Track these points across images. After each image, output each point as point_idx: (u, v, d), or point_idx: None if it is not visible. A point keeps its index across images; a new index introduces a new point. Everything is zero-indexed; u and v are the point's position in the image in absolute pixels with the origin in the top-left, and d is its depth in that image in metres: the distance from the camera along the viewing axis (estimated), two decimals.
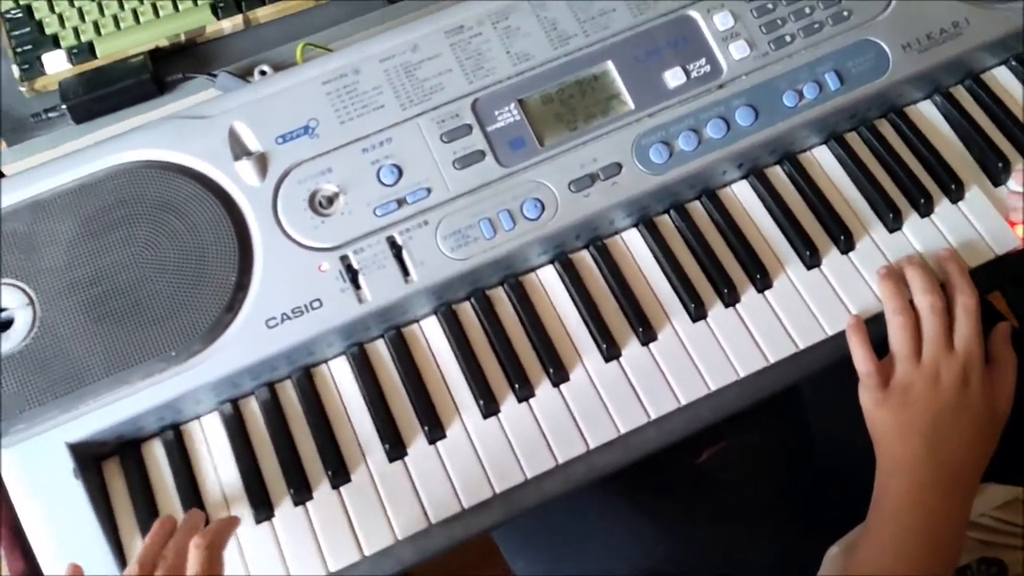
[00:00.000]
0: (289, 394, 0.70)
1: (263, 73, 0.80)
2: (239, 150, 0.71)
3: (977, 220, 0.73)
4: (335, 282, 0.68)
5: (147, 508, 0.66)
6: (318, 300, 0.68)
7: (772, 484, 0.89)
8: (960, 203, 0.74)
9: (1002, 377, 0.67)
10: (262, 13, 0.90)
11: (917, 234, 0.73)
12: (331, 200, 0.70)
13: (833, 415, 0.87)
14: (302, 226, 0.69)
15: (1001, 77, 0.80)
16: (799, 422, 0.91)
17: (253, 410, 0.70)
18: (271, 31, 0.91)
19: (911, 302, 0.68)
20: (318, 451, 0.67)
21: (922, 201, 0.73)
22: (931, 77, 0.76)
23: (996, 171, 0.75)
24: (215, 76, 0.85)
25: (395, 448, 0.67)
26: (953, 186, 0.74)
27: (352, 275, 0.69)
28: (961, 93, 0.79)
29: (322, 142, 0.71)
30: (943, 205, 0.74)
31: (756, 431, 0.88)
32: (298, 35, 0.89)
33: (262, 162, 0.70)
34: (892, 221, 0.73)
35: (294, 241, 0.69)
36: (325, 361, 0.71)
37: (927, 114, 0.78)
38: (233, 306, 0.68)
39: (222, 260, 0.68)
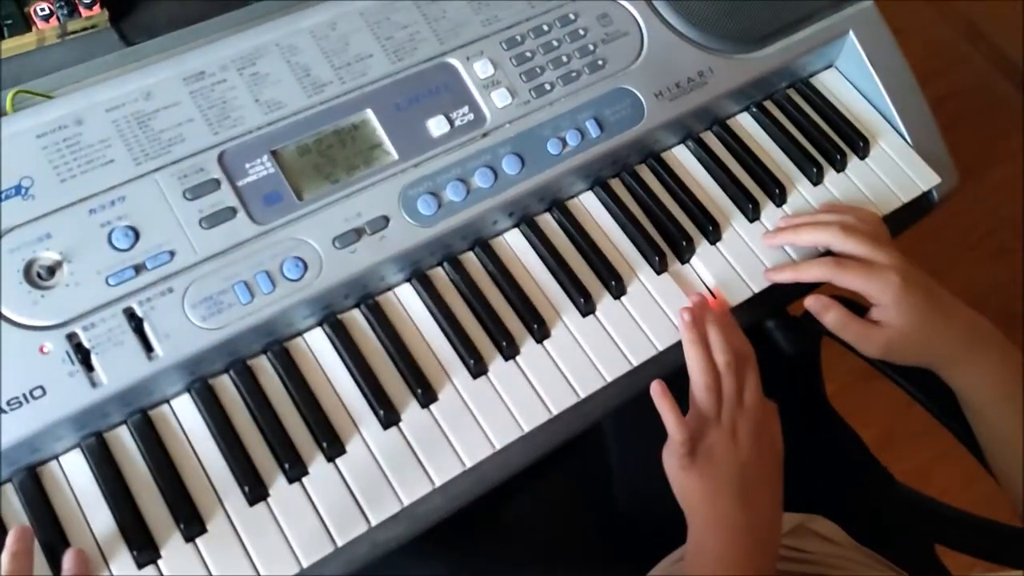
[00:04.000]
0: (10, 501, 0.59)
1: None
2: None
3: (735, 260, 0.76)
4: (61, 365, 0.59)
5: None
6: (40, 388, 0.58)
7: (582, 524, 0.88)
8: (718, 244, 0.77)
9: (771, 419, 0.70)
10: None
11: (680, 277, 0.75)
12: (52, 270, 0.61)
13: (626, 444, 0.88)
14: (17, 302, 0.59)
15: (744, 122, 0.84)
16: (598, 457, 0.91)
17: None
18: None
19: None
20: (47, 561, 0.57)
21: (683, 243, 0.75)
22: (683, 123, 0.79)
23: (747, 211, 0.79)
24: None
25: (143, 553, 0.58)
26: (710, 227, 0.76)
27: (83, 355, 0.59)
28: (711, 138, 0.83)
29: (38, 204, 0.61)
30: (703, 246, 0.77)
31: (556, 474, 0.87)
32: (18, 80, 0.77)
33: None
34: (658, 264, 0.74)
35: (7, 320, 0.59)
36: (55, 457, 0.61)
37: (682, 159, 0.81)
38: None
39: None
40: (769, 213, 0.79)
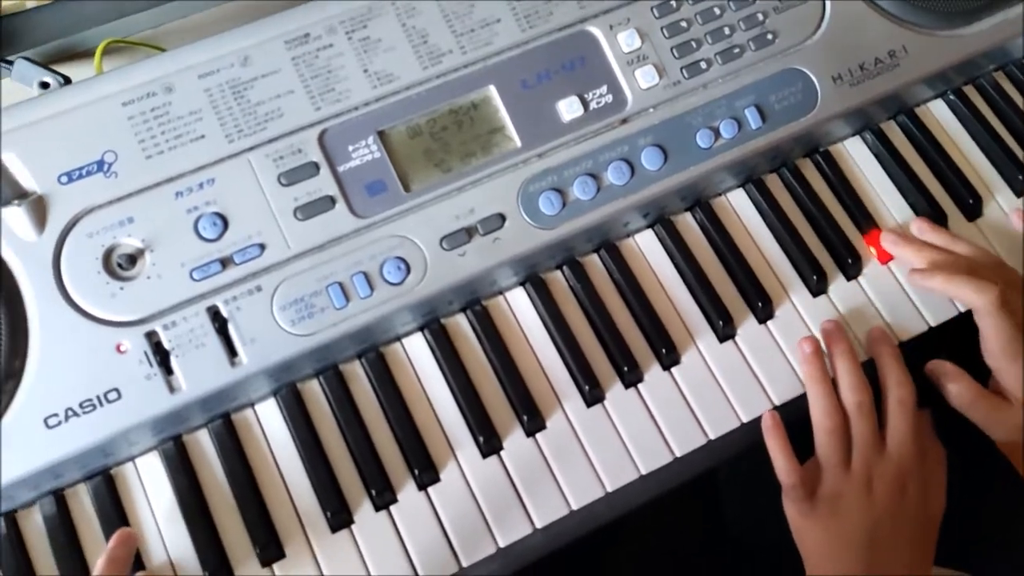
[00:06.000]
0: (83, 504, 0.55)
1: (45, 86, 0.63)
2: (9, 192, 0.54)
3: (910, 284, 0.64)
4: (139, 367, 0.53)
5: None
6: (115, 390, 0.53)
7: (685, 546, 0.80)
8: (890, 262, 0.65)
9: (934, 474, 0.60)
10: None
11: (844, 299, 0.63)
12: (133, 259, 0.55)
13: (746, 490, 0.78)
14: (94, 294, 0.54)
15: (937, 111, 0.70)
16: (709, 500, 0.81)
17: (36, 525, 0.55)
18: (89, 6, 0.73)
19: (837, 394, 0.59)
20: None
21: (849, 261, 0.64)
22: (862, 112, 0.66)
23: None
24: (11, 64, 0.67)
25: (218, 574, 0.54)
26: None
27: (162, 357, 0.54)
28: (893, 130, 0.69)
29: (121, 182, 0.55)
30: (872, 265, 0.65)
31: (665, 516, 0.78)
32: (122, 11, 0.72)
33: (39, 208, 0.54)
34: (816, 283, 0.63)
35: (83, 313, 0.54)
36: (131, 459, 0.56)
37: (855, 153, 0.68)
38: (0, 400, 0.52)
39: None
40: (958, 229, 0.66)
